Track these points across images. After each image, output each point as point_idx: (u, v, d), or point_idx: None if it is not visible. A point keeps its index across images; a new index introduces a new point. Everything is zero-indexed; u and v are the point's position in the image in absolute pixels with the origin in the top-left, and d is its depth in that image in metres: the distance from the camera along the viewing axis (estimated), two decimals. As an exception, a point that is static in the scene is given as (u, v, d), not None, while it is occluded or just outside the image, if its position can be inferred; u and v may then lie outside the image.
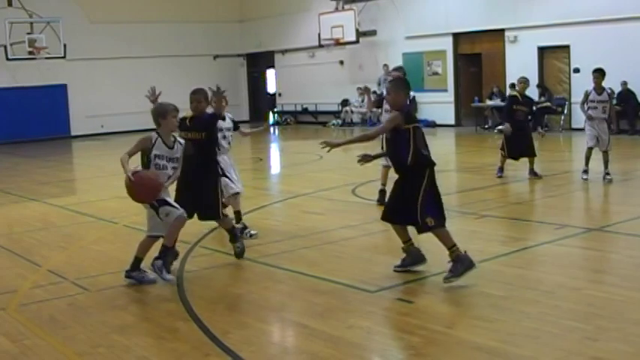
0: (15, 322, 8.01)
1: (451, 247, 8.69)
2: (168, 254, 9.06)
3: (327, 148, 8.50)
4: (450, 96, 33.09)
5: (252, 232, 11.49)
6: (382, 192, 13.40)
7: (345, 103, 37.12)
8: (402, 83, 9.16)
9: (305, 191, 15.01)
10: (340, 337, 7.02)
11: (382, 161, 12.86)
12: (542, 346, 6.53)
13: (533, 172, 16.67)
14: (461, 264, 8.56)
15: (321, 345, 6.83)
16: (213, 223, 10.98)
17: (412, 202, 8.52)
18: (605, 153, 15.74)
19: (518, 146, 16.61)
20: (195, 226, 12.32)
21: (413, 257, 9.17)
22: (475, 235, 11.45)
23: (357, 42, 34.64)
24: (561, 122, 28.93)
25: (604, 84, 16.02)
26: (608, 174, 15.53)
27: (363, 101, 35.28)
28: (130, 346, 7.03)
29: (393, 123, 8.51)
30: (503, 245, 10.44)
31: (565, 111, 28.94)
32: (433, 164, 8.74)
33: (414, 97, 29.46)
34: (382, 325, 7.56)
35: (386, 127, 8.68)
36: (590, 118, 15.75)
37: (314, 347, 6.80)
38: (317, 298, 8.35)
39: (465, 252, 8.64)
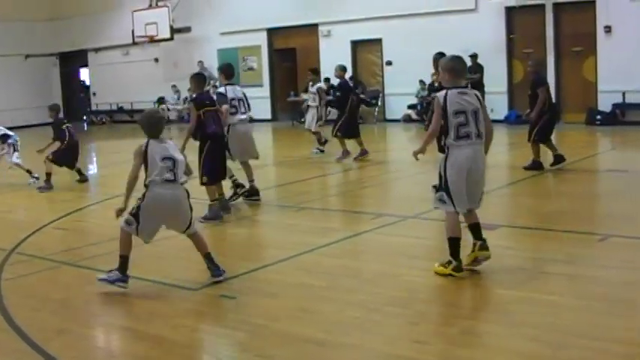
0: None
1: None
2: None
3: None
4: (265, 91, 33.30)
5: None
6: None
7: (160, 100, 36.73)
8: None
9: (123, 191, 14.76)
10: (165, 337, 6.97)
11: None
12: (367, 334, 6.68)
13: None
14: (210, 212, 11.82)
15: (147, 346, 6.77)
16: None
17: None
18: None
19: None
20: (10, 232, 11.98)
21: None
22: (295, 227, 11.61)
23: (171, 39, 34.33)
24: (375, 114, 29.57)
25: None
26: None
27: (178, 98, 35.08)
28: (-54, 360, 6.78)
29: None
30: (322, 236, 10.58)
31: (379, 103, 29.61)
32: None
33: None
34: (207, 323, 7.57)
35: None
36: None
37: (139, 349, 6.73)
38: (139, 299, 8.26)
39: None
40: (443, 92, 8.12)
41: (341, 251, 9.82)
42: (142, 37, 34.69)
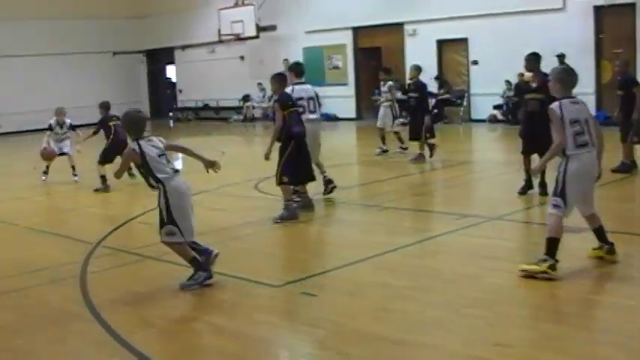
0: None
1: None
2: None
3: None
4: (350, 90, 33.30)
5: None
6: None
7: (246, 98, 37.02)
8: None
9: (207, 188, 14.91)
10: (246, 332, 7.03)
11: None
12: (447, 334, 6.64)
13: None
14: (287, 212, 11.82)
15: (227, 341, 6.83)
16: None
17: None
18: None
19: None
20: (96, 226, 12.19)
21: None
22: (378, 227, 11.58)
23: (257, 37, 34.57)
24: (460, 114, 29.36)
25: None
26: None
27: (263, 96, 35.25)
28: (33, 351, 6.92)
29: None
30: (405, 236, 10.55)
31: (464, 103, 29.39)
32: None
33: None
34: (287, 320, 7.59)
35: None
36: None
37: (220, 344, 6.80)
38: (222, 294, 8.33)
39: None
40: (557, 103, 8.25)
41: (423, 251, 9.78)
42: (228, 35, 34.99)
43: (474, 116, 29.29)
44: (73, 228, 12.63)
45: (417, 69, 18.95)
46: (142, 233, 11.82)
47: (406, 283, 8.24)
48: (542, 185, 12.38)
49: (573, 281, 8.05)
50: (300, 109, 12.76)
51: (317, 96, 13.54)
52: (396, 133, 19.96)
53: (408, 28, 30.63)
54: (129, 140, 8.72)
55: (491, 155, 16.86)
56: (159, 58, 42.99)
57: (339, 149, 19.21)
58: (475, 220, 11.22)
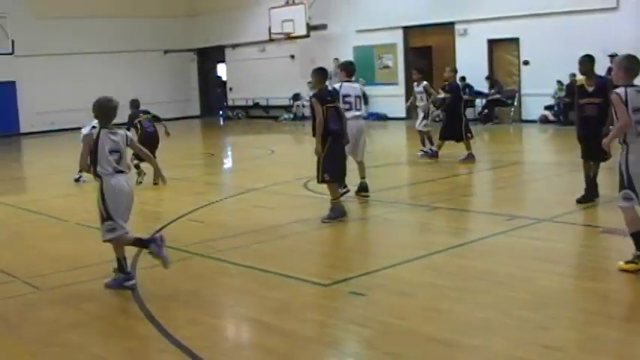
0: (-35, 323, 7.93)
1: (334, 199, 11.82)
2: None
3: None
4: (400, 89, 33.19)
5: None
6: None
7: (296, 97, 37.10)
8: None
9: (256, 186, 14.99)
10: (294, 331, 7.03)
11: None
12: (495, 336, 6.59)
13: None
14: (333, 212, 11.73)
15: (276, 339, 6.84)
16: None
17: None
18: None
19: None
20: (146, 223, 12.29)
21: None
22: (426, 227, 11.55)
23: (307, 36, 34.62)
24: (511, 114, 29.14)
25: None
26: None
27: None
28: (84, 345, 6.98)
29: None
30: (454, 237, 10.51)
31: (515, 103, 29.17)
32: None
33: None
34: (336, 318, 7.56)
35: None
36: None
37: (268, 342, 6.80)
38: (270, 292, 8.35)
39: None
40: (622, 89, 8.25)
41: (472, 252, 9.71)
42: (279, 33, 35.08)
43: (524, 117, 29.05)
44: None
45: (453, 70, 19.06)
46: (192, 230, 11.88)
47: (455, 284, 8.19)
48: (593, 187, 12.19)
49: (629, 284, 7.95)
50: (347, 106, 13.00)
51: (364, 95, 13.59)
52: (421, 133, 19.80)
53: (458, 27, 30.48)
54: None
55: (542, 156, 16.72)
56: (209, 56, 43.23)
57: (388, 149, 19.20)
58: (526, 222, 11.12)
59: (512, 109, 29.14)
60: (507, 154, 19.48)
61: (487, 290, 7.92)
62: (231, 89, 42.23)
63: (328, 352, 6.82)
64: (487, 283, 8.20)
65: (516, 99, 29.15)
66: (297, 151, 25.18)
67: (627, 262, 8.13)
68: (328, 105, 11.81)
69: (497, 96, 29.09)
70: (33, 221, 13.75)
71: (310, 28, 34.38)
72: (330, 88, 13.02)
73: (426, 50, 32.47)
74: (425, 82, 19.96)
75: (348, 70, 13.85)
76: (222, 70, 43.60)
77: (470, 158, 17.82)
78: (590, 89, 12.10)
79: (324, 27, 34.95)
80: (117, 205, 8.60)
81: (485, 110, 29.07)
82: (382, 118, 32.43)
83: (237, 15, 39.41)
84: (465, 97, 27.10)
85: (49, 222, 13.58)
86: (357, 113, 13.38)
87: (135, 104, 17.55)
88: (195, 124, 38.82)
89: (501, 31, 28.90)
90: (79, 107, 34.59)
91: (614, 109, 8.29)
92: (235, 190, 15.92)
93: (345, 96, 13.24)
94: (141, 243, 8.84)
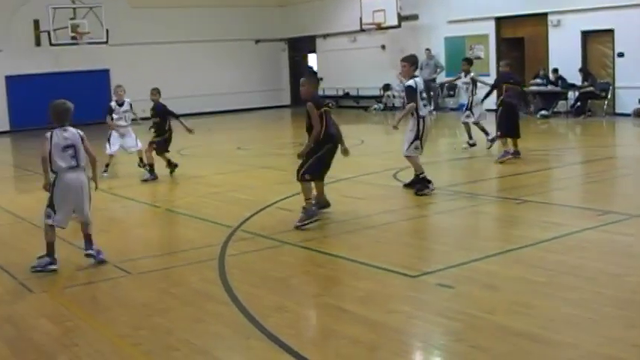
0: (57, 305, 8.15)
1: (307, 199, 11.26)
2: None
3: None
4: (492, 80, 32.79)
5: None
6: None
7: (386, 87, 37.01)
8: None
9: (346, 176, 15.00)
10: (380, 321, 7.06)
11: None
12: (583, 333, 6.51)
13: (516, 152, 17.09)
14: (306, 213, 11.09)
15: (361, 329, 6.86)
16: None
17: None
18: None
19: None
20: (236, 210, 12.42)
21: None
22: (516, 220, 11.44)
23: (398, 26, 34.46)
24: (604, 107, 28.63)
25: None
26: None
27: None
28: (172, 329, 7.11)
29: None
30: (544, 231, 10.38)
31: (608, 96, 28.63)
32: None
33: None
34: (423, 310, 7.55)
35: None
36: None
37: (354, 331, 6.83)
38: (357, 282, 8.38)
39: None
40: None
41: (563, 247, 9.58)
42: (370, 24, 35.01)
43: (618, 110, 28.48)
44: (212, 211, 12.84)
45: (508, 65, 18.83)
46: (281, 219, 11.95)
47: (544, 279, 8.11)
48: None
49: None
50: (424, 102, 13.31)
51: (428, 90, 13.54)
52: (466, 124, 19.57)
53: (552, 18, 30.00)
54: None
55: (635, 151, 16.39)
56: (300, 46, 43.34)
57: (479, 141, 18.97)
58: (618, 217, 10.94)
59: (606, 102, 28.59)
60: (600, 148, 19.17)
61: (576, 286, 7.83)
62: (322, 79, 42.22)
63: (415, 343, 6.82)
64: (576, 279, 8.10)
65: (610, 92, 28.61)
66: (387, 142, 25.10)
67: None
68: (322, 110, 11.76)
69: (591, 88, 28.55)
70: (125, 207, 14.02)
71: (401, 18, 34.21)
72: (420, 79, 13.02)
73: (518, 41, 32.09)
74: (472, 73, 19.67)
75: (417, 64, 13.88)
76: (313, 60, 43.71)
77: (506, 156, 17.23)
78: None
79: (415, 17, 34.77)
80: (63, 201, 9.29)
81: (578, 103, 28.61)
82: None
83: (329, 5, 39.46)
84: (557, 89, 26.80)
85: (140, 207, 13.83)
86: (431, 108, 13.37)
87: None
88: (285, 114, 38.98)
89: (596, 22, 28.35)
90: (172, 95, 35.24)
91: None
92: (325, 180, 15.96)
93: (421, 92, 13.27)
94: (48, 250, 9.42)
